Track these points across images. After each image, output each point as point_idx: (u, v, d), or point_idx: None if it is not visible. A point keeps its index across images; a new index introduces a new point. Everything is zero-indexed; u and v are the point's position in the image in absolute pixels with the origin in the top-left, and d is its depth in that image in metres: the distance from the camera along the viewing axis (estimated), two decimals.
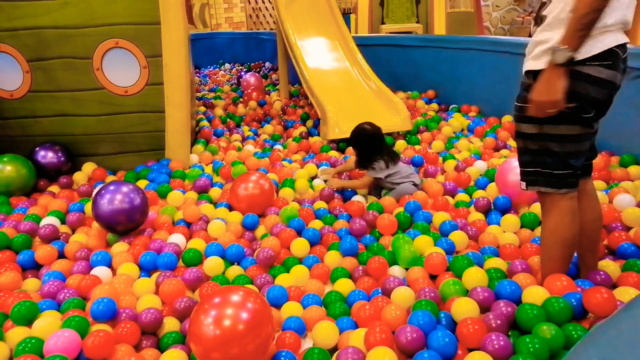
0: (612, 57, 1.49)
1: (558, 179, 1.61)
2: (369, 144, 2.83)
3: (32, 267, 2.31)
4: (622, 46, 1.52)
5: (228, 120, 4.83)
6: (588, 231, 1.81)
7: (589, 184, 1.78)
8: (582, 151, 1.60)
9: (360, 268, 2.14)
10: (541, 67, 1.52)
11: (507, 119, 3.97)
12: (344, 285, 2.02)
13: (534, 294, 1.71)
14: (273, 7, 5.95)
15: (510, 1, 9.62)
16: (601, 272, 1.84)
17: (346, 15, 6.97)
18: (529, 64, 1.60)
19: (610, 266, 1.91)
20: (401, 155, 3.07)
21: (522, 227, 2.37)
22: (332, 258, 2.24)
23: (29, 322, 1.81)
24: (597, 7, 1.39)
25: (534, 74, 1.56)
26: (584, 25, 1.40)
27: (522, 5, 9.59)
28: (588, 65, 1.48)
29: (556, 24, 1.50)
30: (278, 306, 1.90)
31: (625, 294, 1.73)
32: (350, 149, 3.70)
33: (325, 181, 3.07)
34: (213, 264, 2.18)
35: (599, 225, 1.82)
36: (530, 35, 1.68)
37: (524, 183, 1.70)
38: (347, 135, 3.85)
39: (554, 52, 1.46)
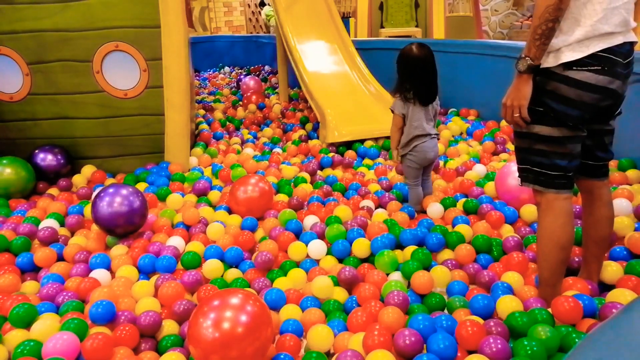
0: (604, 62, 1.50)
1: (546, 178, 1.62)
2: (406, 68, 2.51)
3: (31, 270, 2.31)
4: (619, 52, 1.51)
5: (227, 123, 4.84)
6: (595, 236, 1.80)
7: (604, 189, 1.76)
8: (570, 153, 1.59)
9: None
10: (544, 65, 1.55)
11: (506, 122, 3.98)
12: (342, 293, 2.02)
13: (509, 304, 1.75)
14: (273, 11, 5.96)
15: (508, 5, 9.66)
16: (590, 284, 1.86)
17: (345, 19, 6.99)
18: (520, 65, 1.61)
19: (612, 266, 1.92)
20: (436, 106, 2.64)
21: None
22: (328, 262, 2.25)
23: (27, 325, 1.81)
24: (550, 17, 1.44)
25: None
26: (539, 35, 1.47)
27: (521, 9, 9.63)
28: (575, 70, 1.50)
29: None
30: (276, 309, 1.91)
31: (621, 296, 1.74)
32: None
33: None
34: (212, 267, 2.18)
35: (608, 233, 1.81)
36: None
37: (519, 178, 1.73)
38: (347, 138, 3.88)
39: (517, 61, 1.53)
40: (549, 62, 1.53)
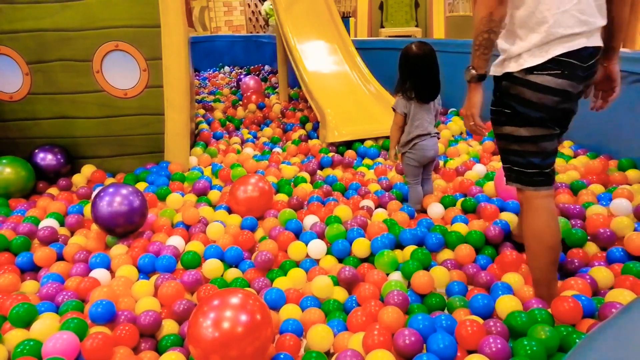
0: (564, 67, 1.52)
1: (525, 177, 1.67)
2: (406, 67, 2.53)
3: (31, 269, 2.31)
4: (580, 55, 1.52)
5: (227, 123, 4.84)
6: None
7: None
8: (543, 151, 1.63)
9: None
10: (497, 73, 1.64)
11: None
12: (342, 292, 2.02)
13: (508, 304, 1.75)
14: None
15: None
16: (587, 277, 1.87)
17: (345, 18, 7.00)
18: (491, 70, 1.69)
19: (602, 271, 1.92)
20: (437, 105, 2.64)
21: None
22: (328, 261, 2.25)
23: (27, 324, 1.81)
24: (484, 29, 1.51)
25: (495, 79, 1.68)
26: (478, 45, 1.55)
27: None
28: (536, 74, 1.54)
29: (506, 34, 1.60)
30: (276, 309, 1.91)
31: (620, 296, 1.74)
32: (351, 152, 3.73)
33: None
34: (212, 267, 2.18)
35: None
36: None
37: (505, 178, 1.76)
38: (346, 138, 3.88)
39: (465, 71, 1.60)
40: (511, 67, 1.58)
